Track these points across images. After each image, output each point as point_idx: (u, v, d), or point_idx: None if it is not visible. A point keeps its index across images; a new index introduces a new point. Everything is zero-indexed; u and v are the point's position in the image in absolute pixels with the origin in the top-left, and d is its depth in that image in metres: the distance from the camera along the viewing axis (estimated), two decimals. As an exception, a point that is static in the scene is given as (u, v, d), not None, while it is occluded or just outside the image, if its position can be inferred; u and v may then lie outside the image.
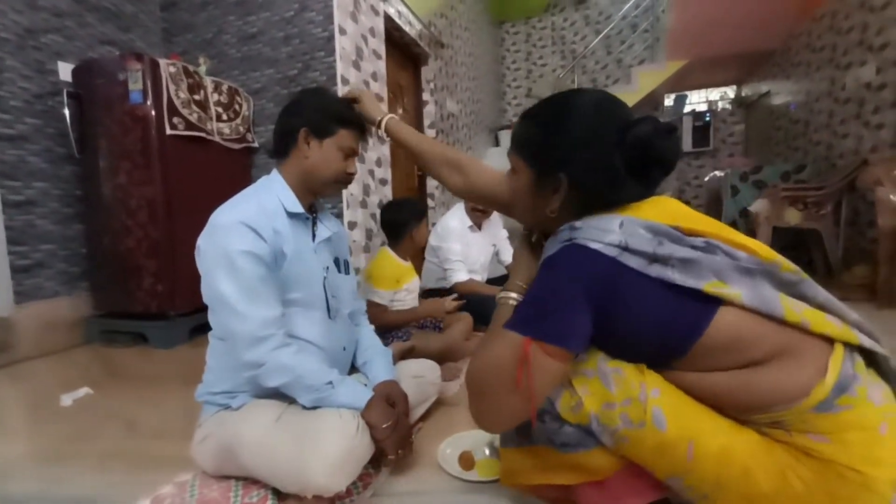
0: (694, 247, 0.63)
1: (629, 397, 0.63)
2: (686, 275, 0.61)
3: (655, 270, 0.61)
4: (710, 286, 0.60)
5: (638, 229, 0.63)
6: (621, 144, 0.65)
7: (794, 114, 4.11)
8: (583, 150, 0.67)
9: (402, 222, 1.73)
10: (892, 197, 2.25)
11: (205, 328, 0.99)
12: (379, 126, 1.07)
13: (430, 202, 3.83)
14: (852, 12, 3.09)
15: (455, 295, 1.82)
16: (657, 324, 0.62)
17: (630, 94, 4.92)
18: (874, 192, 2.33)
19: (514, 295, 0.76)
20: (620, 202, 0.68)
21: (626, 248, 0.62)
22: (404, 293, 1.71)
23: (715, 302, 0.60)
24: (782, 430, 0.61)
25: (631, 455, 0.65)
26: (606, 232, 0.63)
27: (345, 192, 2.44)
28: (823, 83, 3.53)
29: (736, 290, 0.60)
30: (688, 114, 5.83)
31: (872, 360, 0.64)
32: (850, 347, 0.62)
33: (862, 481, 0.58)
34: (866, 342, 0.62)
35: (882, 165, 2.39)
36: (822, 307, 0.63)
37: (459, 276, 2.12)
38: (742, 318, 0.60)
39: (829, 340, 0.62)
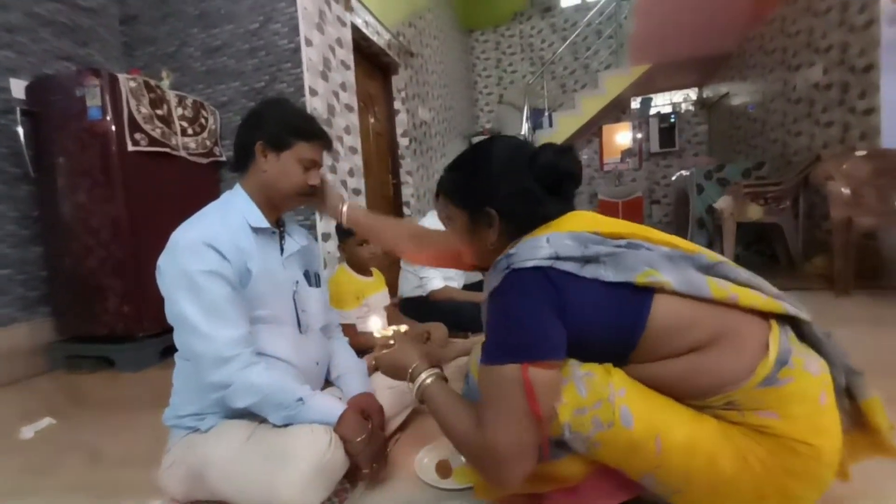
0: (617, 246, 0.68)
1: (599, 399, 0.64)
2: (617, 270, 0.65)
3: (589, 271, 0.65)
4: (641, 276, 0.64)
5: (563, 240, 0.68)
6: (532, 170, 0.74)
7: (751, 113, 4.30)
8: (502, 183, 0.75)
9: (337, 236, 1.75)
10: (842, 190, 2.38)
11: (175, 349, 0.96)
12: (340, 217, 1.09)
13: (405, 210, 3.84)
14: (799, 16, 3.27)
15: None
16: (603, 323, 0.65)
17: (598, 98, 5.05)
18: (826, 186, 2.46)
19: (432, 372, 0.79)
20: (547, 219, 0.73)
21: (557, 258, 0.66)
22: (365, 309, 1.67)
23: (648, 293, 0.64)
24: (735, 410, 0.63)
25: (604, 458, 0.66)
26: (537, 249, 0.67)
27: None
28: (777, 84, 3.71)
29: (666, 277, 0.64)
30: (654, 116, 6.02)
31: (802, 333, 0.68)
32: (782, 322, 0.66)
33: (812, 453, 0.61)
34: (791, 310, 0.66)
35: (832, 161, 2.52)
36: (745, 285, 0.67)
37: (435, 283, 2.13)
38: (676, 303, 0.64)
39: (765, 318, 0.65)
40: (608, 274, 0.64)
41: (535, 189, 0.74)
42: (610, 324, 0.65)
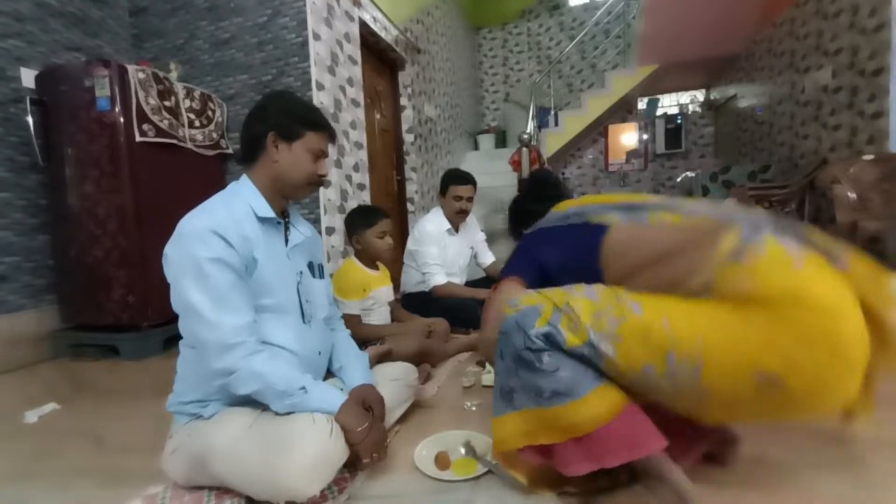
0: (591, 210, 0.95)
1: (610, 302, 0.77)
2: (578, 218, 0.95)
3: (564, 223, 0.99)
4: (593, 217, 0.92)
5: (554, 218, 1.03)
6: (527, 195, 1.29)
7: (758, 116, 4.27)
8: (516, 212, 1.29)
9: (348, 228, 1.75)
10: (848, 194, 2.37)
11: (179, 338, 0.97)
12: None
13: (409, 206, 3.84)
14: (809, 19, 3.25)
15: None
16: (571, 248, 0.94)
17: (604, 98, 5.03)
18: (832, 189, 2.44)
19: None
20: (539, 214, 1.09)
21: (544, 226, 1.04)
22: (370, 301, 1.70)
23: (603, 227, 0.89)
24: (715, 294, 0.72)
25: (629, 354, 0.73)
26: (536, 225, 1.06)
27: (322, 198, 2.43)
28: (785, 86, 3.69)
29: (611, 216, 0.90)
30: (660, 117, 5.99)
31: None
32: (783, 231, 0.76)
33: (788, 301, 0.66)
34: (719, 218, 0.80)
35: (839, 164, 2.51)
36: (679, 213, 0.85)
37: (437, 279, 2.14)
38: (629, 229, 0.87)
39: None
40: (574, 221, 0.96)
41: (525, 203, 1.23)
42: (577, 246, 0.93)
